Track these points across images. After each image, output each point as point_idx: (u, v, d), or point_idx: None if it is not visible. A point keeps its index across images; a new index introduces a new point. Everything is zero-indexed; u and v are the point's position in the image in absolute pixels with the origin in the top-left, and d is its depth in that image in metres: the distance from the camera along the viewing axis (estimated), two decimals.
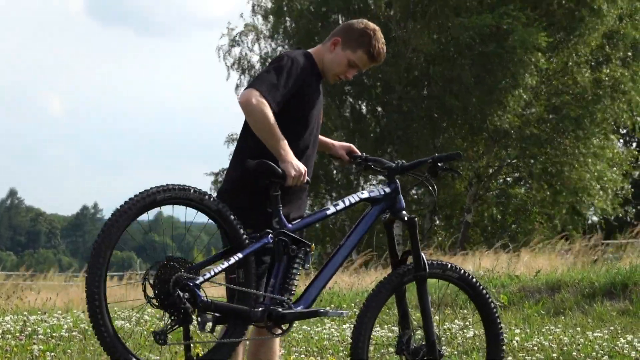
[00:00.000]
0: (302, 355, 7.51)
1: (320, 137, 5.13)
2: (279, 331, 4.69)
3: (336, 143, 5.29)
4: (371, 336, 4.91)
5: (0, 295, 12.91)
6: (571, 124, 28.87)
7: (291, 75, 4.76)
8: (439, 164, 5.00)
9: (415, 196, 32.00)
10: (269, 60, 24.48)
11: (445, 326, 8.71)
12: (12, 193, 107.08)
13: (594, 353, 7.74)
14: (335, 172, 31.31)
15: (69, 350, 7.40)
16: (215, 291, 4.63)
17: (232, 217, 4.55)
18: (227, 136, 32.61)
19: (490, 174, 30.95)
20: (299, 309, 4.69)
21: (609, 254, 17.49)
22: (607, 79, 29.10)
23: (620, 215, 32.83)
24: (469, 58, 28.39)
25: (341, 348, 7.83)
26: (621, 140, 34.83)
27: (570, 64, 29.13)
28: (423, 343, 4.91)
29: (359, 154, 5.24)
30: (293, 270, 4.68)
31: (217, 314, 4.46)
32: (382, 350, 7.57)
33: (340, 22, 29.36)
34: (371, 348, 7.36)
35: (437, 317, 5.26)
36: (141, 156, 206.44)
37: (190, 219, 4.54)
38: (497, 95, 28.24)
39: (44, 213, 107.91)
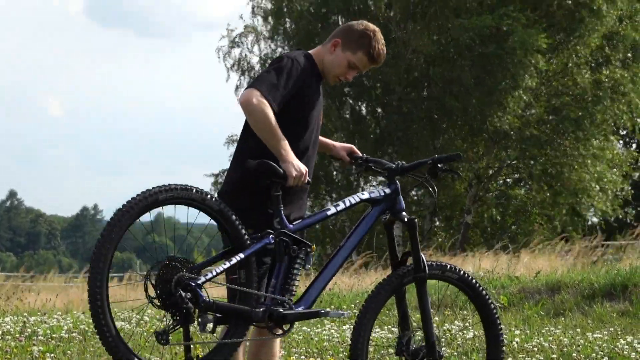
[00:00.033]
0: (302, 357, 7.50)
1: (321, 138, 5.13)
2: (280, 332, 4.69)
3: (337, 144, 5.29)
4: (371, 337, 4.91)
5: (0, 296, 12.91)
6: (571, 125, 28.85)
7: (291, 76, 4.76)
8: (439, 165, 5.01)
9: (415, 197, 32.01)
10: (269, 61, 24.46)
11: (445, 327, 8.71)
12: (12, 194, 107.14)
13: (594, 354, 7.74)
14: (335, 173, 31.30)
15: (68, 352, 7.39)
16: (214, 292, 4.63)
17: (233, 217, 4.55)
18: (227, 137, 32.66)
19: (490, 175, 30.93)
20: (300, 309, 4.69)
21: (609, 255, 17.50)
22: (607, 80, 29.10)
23: (620, 216, 32.80)
24: (468, 59, 28.38)
25: (341, 349, 7.82)
26: (621, 142, 34.83)
27: (570, 65, 29.13)
28: (423, 344, 4.91)
29: (360, 155, 5.24)
30: (294, 270, 4.69)
31: (219, 315, 4.46)
32: (382, 351, 7.57)
33: (340, 23, 29.34)
34: (371, 349, 7.37)
35: (436, 318, 5.28)
36: (141, 157, 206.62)
37: (192, 219, 4.54)
38: (497, 97, 28.23)
39: (44, 214, 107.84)
